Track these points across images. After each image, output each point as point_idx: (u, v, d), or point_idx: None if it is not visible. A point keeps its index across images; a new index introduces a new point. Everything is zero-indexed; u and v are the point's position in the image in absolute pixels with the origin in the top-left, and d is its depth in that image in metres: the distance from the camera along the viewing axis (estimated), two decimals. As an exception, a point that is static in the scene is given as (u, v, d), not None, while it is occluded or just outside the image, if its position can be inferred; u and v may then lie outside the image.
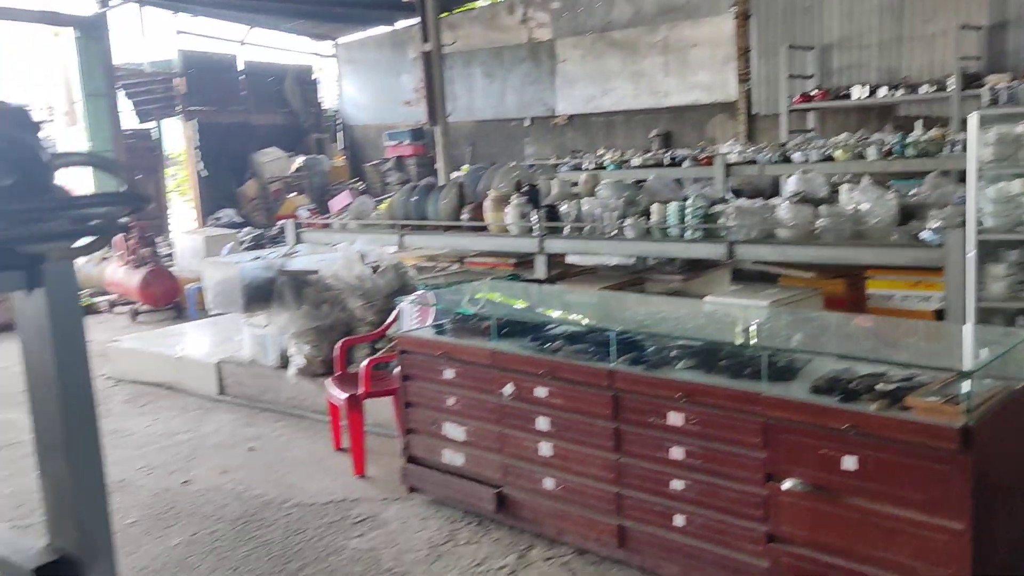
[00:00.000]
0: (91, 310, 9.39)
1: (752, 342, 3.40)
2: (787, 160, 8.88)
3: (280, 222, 11.82)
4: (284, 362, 5.77)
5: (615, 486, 3.42)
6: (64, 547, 1.25)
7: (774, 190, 8.51)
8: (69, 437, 1.24)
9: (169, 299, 9.02)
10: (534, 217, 6.33)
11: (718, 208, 5.75)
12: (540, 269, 6.41)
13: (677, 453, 3.22)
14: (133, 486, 4.52)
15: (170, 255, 10.25)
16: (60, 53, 13.34)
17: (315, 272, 5.77)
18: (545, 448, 3.64)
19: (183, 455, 5.01)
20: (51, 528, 1.27)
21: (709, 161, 9.66)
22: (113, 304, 9.45)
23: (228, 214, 14.98)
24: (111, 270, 9.25)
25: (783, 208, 5.27)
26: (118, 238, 9.00)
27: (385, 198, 9.00)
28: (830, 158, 8.52)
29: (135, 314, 9.01)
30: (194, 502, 4.33)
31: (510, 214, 6.44)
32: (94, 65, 12.11)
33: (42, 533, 1.29)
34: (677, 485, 3.23)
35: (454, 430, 3.98)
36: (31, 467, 4.54)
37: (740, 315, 4.02)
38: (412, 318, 4.53)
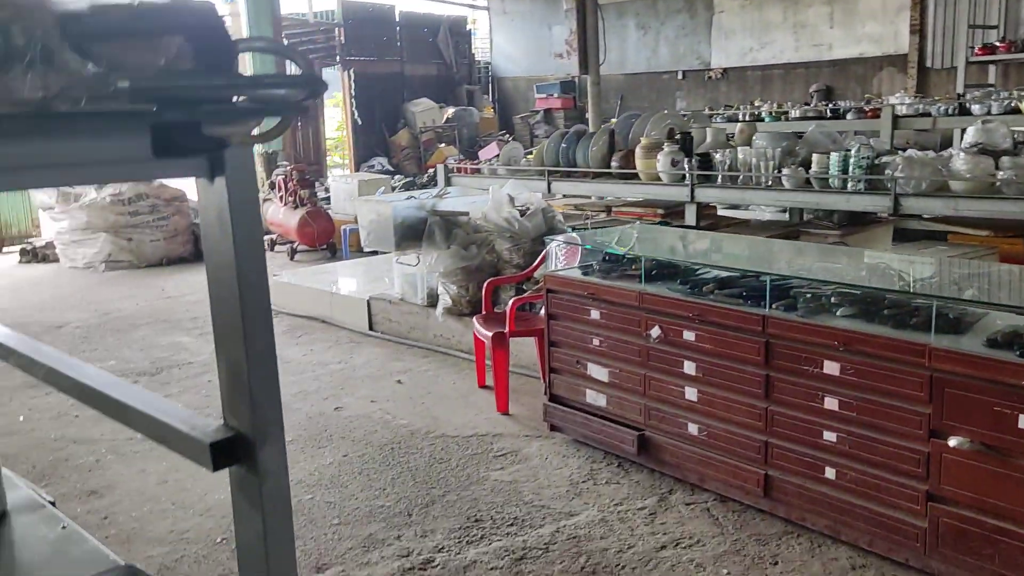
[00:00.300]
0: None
1: (920, 291, 3.21)
2: (965, 112, 8.28)
3: (430, 170, 12.07)
4: (432, 301, 5.90)
5: (762, 434, 3.33)
6: (238, 426, 1.31)
7: (944, 148, 7.97)
8: (245, 321, 1.29)
9: (325, 239, 9.38)
10: (686, 165, 6.18)
11: (885, 159, 5.44)
12: (690, 219, 6.27)
13: (831, 403, 3.09)
14: (290, 409, 4.76)
15: (327, 198, 10.64)
16: (229, 4, 13.97)
17: (465, 213, 5.85)
18: (690, 393, 3.57)
19: (335, 383, 5.23)
20: (226, 408, 1.33)
21: (875, 113, 9.14)
22: (273, 243, 9.92)
23: (380, 162, 15.42)
24: (272, 210, 9.70)
25: (959, 159, 4.92)
26: (279, 180, 9.41)
27: (533, 150, 9.00)
28: (1016, 111, 7.87)
29: (293, 252, 9.43)
30: (345, 427, 4.52)
31: (661, 162, 6.31)
32: (261, 15, 12.59)
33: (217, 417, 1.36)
34: (830, 437, 3.11)
35: (598, 371, 3.96)
36: (200, 385, 4.85)
37: (906, 266, 3.80)
38: (559, 259, 4.53)
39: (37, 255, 9.68)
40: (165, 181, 10.46)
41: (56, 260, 9.52)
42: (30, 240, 10.22)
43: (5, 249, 10.43)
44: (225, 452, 1.29)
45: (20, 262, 9.73)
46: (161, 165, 1.21)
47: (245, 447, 1.29)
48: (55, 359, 1.64)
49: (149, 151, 1.17)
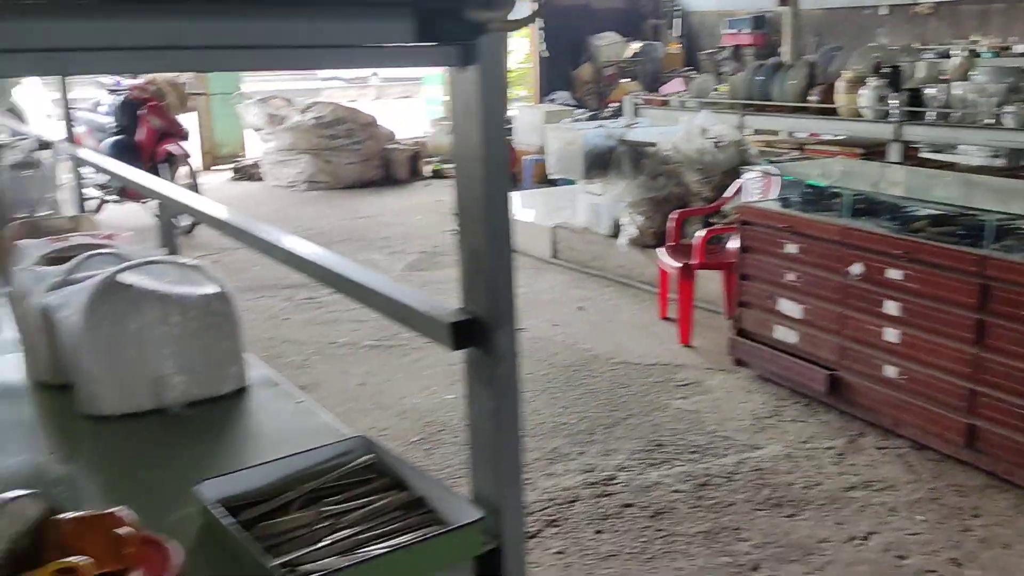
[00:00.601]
0: (441, 175, 10.19)
1: None
2: None
3: (611, 105, 11.92)
4: (615, 231, 5.89)
5: (969, 382, 3.15)
6: (475, 310, 1.37)
7: None
8: (488, 210, 1.34)
9: (512, 168, 9.50)
10: (893, 101, 5.81)
11: None
12: (893, 159, 5.91)
13: (1054, 353, 2.88)
14: (475, 327, 4.91)
15: (508, 129, 10.75)
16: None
17: (654, 144, 5.78)
18: (891, 334, 3.42)
19: (519, 306, 5.35)
20: (465, 294, 1.39)
21: (1116, 50, 8.21)
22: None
23: (562, 96, 15.35)
24: (458, 139, 9.90)
25: None
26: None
27: (718, 86, 8.70)
28: None
29: (479, 181, 9.62)
30: (529, 347, 4.63)
31: (865, 96, 5.97)
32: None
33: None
34: (1049, 388, 2.91)
35: (790, 307, 3.86)
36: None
37: None
38: (753, 192, 4.41)
39: (246, 174, 10.39)
40: (359, 107, 10.90)
41: (260, 179, 10.18)
42: (237, 159, 10.96)
43: (217, 167, 11.22)
44: (464, 333, 1.36)
45: (232, 179, 10.47)
46: (416, 52, 1.26)
47: (482, 330, 1.36)
48: (298, 245, 1.77)
49: (409, 37, 1.22)
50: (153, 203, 6.81)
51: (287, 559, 1.29)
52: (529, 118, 10.11)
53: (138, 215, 6.45)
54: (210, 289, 1.95)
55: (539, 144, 8.09)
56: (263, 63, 1.46)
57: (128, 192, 6.70)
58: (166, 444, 1.76)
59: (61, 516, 1.20)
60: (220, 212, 2.00)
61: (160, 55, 1.12)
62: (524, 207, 7.57)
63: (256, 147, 10.62)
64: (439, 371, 4.22)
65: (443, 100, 11.68)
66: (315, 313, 5.09)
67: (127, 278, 1.85)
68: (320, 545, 1.35)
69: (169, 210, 2.60)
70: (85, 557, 1.12)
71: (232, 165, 10.77)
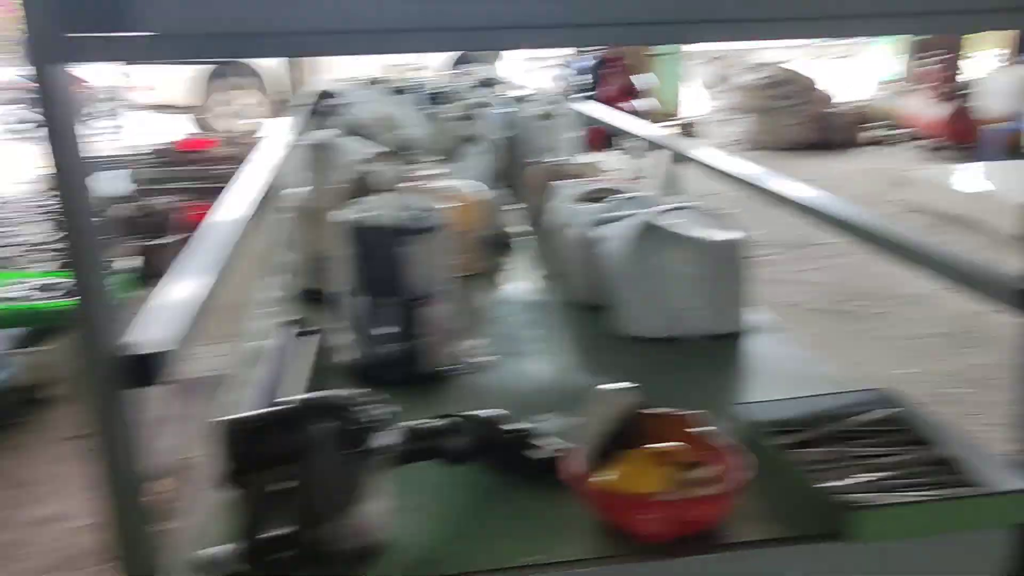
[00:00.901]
0: (881, 142, 9.61)
1: None
2: None
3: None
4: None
5: None
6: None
7: None
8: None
9: (972, 137, 8.66)
10: None
11: None
12: None
13: None
14: (933, 304, 4.62)
15: (965, 94, 9.77)
16: None
17: None
18: None
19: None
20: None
21: None
22: (913, 137, 9.46)
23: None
24: (909, 102, 9.23)
25: None
26: (932, 71, 8.85)
27: None
28: None
29: (934, 149, 8.91)
30: (993, 326, 4.28)
31: None
32: None
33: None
34: None
35: None
36: (836, 265, 4.93)
37: None
38: None
39: (687, 132, 10.71)
40: (799, 70, 10.57)
41: (695, 136, 10.39)
42: (671, 117, 11.27)
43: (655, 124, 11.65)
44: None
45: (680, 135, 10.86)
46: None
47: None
48: (845, 211, 1.85)
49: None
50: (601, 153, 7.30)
51: (821, 486, 1.38)
52: (1003, 82, 9.07)
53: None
54: (729, 235, 2.10)
55: (1011, 111, 7.26)
56: (871, 29, 1.51)
57: (588, 141, 7.25)
58: (683, 368, 1.93)
59: (646, 411, 1.42)
60: (746, 169, 2.14)
61: (743, 26, 1.23)
62: (988, 180, 6.88)
63: (689, 106, 10.84)
64: (889, 344, 4.08)
65: (902, 60, 10.77)
66: (759, 272, 5.15)
67: (662, 219, 2.06)
68: (848, 482, 1.42)
69: (676, 160, 2.82)
70: (681, 443, 1.32)
71: (669, 123, 11.10)
